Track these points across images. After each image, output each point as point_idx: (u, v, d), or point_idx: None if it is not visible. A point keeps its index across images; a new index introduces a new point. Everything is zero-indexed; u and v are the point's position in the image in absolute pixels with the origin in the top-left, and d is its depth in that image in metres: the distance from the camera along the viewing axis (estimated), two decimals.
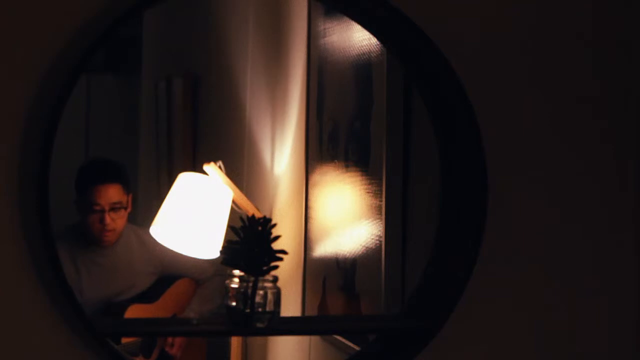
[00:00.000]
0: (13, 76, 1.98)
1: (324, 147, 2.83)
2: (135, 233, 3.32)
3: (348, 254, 2.66)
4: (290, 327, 2.29)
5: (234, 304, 2.08)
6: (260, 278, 2.07)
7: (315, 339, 2.87)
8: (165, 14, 4.17)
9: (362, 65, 2.58)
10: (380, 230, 2.45)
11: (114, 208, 3.19)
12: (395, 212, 2.42)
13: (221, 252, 2.09)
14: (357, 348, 2.50)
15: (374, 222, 2.48)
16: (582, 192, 2.28)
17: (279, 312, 2.11)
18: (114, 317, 3.18)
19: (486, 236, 2.15)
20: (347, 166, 2.68)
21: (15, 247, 1.98)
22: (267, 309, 2.08)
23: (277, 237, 2.06)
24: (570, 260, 2.27)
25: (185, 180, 3.05)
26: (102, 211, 3.17)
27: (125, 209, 3.23)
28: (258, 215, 2.86)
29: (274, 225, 2.06)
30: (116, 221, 3.20)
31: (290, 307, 2.95)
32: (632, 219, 2.30)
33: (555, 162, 2.26)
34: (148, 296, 3.31)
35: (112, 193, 3.18)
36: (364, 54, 2.56)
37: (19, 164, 1.98)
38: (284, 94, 3.13)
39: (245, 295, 2.06)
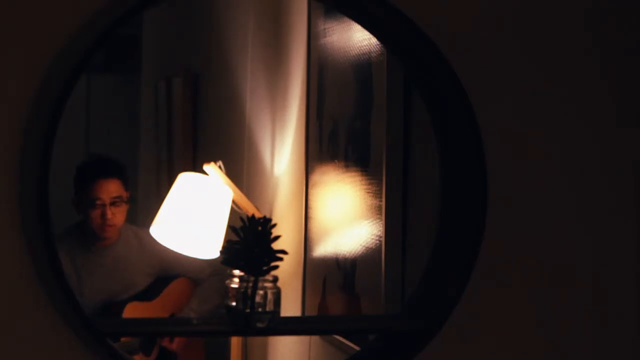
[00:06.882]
0: (13, 76, 1.98)
1: (324, 147, 2.83)
2: (135, 233, 3.33)
3: (348, 254, 2.66)
4: (290, 327, 2.28)
5: (234, 304, 2.08)
6: (260, 278, 2.07)
7: (315, 339, 2.87)
8: (165, 14, 4.18)
9: (362, 65, 2.58)
10: (380, 230, 2.45)
11: (114, 202, 3.21)
12: (395, 212, 2.42)
13: (221, 252, 2.09)
14: (357, 348, 2.50)
15: (374, 222, 2.49)
16: (582, 193, 2.28)
17: (279, 312, 2.11)
18: (113, 316, 3.18)
19: (486, 236, 2.15)
20: (347, 166, 2.68)
21: (15, 247, 1.98)
22: (267, 309, 2.08)
23: (277, 237, 2.06)
24: (571, 261, 2.27)
25: (185, 180, 3.05)
26: (104, 205, 3.20)
27: (126, 203, 3.25)
28: (258, 215, 2.86)
29: (274, 225, 2.06)
30: (116, 216, 3.23)
31: (290, 307, 2.95)
32: (633, 219, 2.30)
33: (556, 162, 2.26)
34: (146, 294, 3.31)
35: (113, 187, 3.21)
36: (364, 54, 2.56)
37: (19, 164, 1.98)
38: (284, 94, 3.13)
39: (245, 295, 2.06)
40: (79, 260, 3.25)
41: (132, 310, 3.23)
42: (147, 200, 4.05)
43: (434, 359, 2.17)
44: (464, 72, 2.13)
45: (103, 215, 3.20)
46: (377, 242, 2.47)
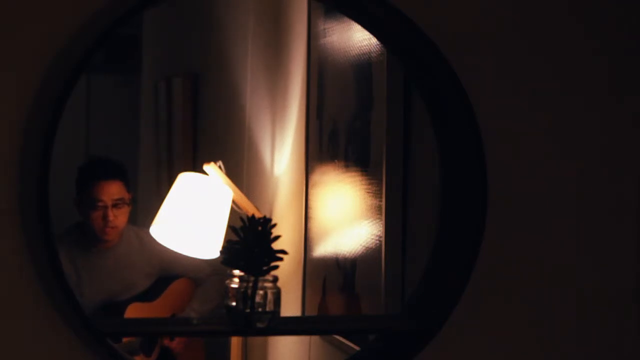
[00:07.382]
0: (13, 76, 1.98)
1: (324, 147, 2.83)
2: (135, 233, 3.33)
3: (348, 254, 2.66)
4: (290, 327, 2.28)
5: (234, 304, 2.08)
6: (260, 278, 2.07)
7: (315, 339, 2.87)
8: (165, 14, 4.18)
9: (362, 65, 2.58)
10: (380, 230, 2.45)
11: (116, 204, 3.21)
12: (395, 212, 2.42)
13: (221, 252, 2.09)
14: (357, 348, 2.50)
15: (374, 222, 2.49)
16: (582, 193, 2.28)
17: (279, 312, 2.11)
18: (114, 317, 3.18)
19: (486, 236, 2.15)
20: (347, 166, 2.68)
21: (15, 247, 1.98)
22: (267, 309, 2.08)
23: (277, 237, 2.06)
24: (571, 261, 2.27)
25: (185, 180, 3.05)
26: (105, 207, 3.19)
27: (128, 205, 3.25)
28: (258, 215, 2.86)
29: (274, 225, 2.06)
30: (118, 218, 3.22)
31: (290, 307, 2.95)
32: (633, 219, 2.30)
33: (556, 162, 2.26)
34: (147, 295, 3.32)
35: (115, 189, 3.21)
36: (364, 54, 2.56)
37: (19, 164, 1.98)
38: (284, 94, 3.13)
39: (245, 295, 2.06)
40: (79, 260, 3.25)
41: (134, 311, 3.23)
42: (147, 200, 4.05)
43: (434, 359, 2.17)
44: (464, 72, 2.13)
45: (105, 217, 3.20)
46: (377, 242, 2.47)
